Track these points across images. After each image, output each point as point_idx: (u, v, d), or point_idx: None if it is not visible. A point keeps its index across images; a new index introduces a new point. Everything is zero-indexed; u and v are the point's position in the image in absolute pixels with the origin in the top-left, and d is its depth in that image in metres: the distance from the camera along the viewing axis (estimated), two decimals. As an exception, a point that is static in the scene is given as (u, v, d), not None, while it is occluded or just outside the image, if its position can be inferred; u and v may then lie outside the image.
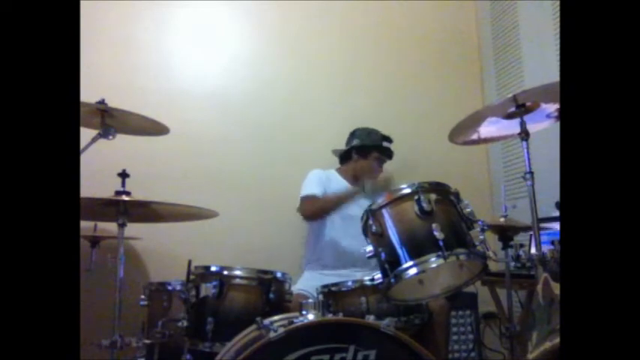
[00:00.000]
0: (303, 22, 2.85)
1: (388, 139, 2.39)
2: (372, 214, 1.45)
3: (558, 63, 2.29)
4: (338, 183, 2.33)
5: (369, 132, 2.37)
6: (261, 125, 2.68)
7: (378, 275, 1.44)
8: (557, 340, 0.91)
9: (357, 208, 2.17)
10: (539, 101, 1.57)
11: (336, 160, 2.48)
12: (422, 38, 3.01)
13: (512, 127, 1.64)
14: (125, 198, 1.73)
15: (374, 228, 1.42)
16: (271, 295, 1.62)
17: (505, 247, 1.97)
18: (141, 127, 1.81)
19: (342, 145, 2.45)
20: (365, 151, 2.33)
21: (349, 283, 1.64)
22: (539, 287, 1.20)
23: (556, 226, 1.94)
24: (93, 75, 2.25)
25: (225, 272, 1.62)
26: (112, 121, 1.66)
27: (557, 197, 1.49)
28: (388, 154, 2.37)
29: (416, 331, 1.61)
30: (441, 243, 1.31)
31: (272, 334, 1.21)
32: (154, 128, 1.83)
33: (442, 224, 1.35)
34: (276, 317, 1.45)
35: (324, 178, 2.31)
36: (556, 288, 1.11)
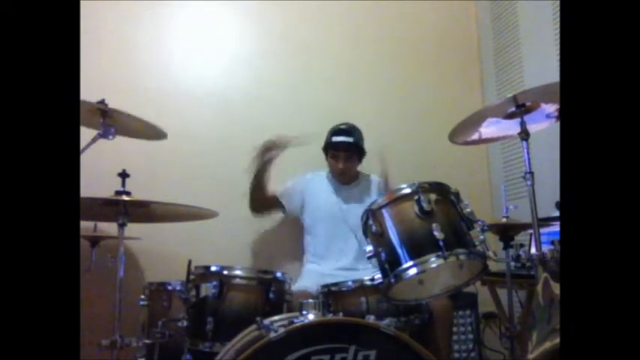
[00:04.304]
0: (303, 22, 2.85)
1: (340, 132, 2.24)
2: (372, 214, 1.45)
3: (558, 63, 2.29)
4: (322, 185, 2.37)
5: (328, 131, 2.32)
6: (262, 125, 2.67)
7: (378, 275, 1.44)
8: (557, 340, 0.91)
9: (338, 209, 2.26)
10: (539, 101, 1.57)
11: None
12: (422, 38, 3.01)
13: (512, 127, 1.64)
14: (125, 198, 1.73)
15: (374, 228, 1.42)
16: (271, 295, 1.62)
17: (506, 247, 1.98)
18: (139, 130, 1.80)
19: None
20: (325, 152, 2.33)
21: (349, 283, 1.63)
22: (539, 287, 1.20)
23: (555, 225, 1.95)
24: (93, 75, 2.25)
25: (225, 272, 1.62)
26: (111, 122, 1.66)
27: (557, 197, 1.50)
28: (343, 146, 2.23)
29: (416, 331, 1.61)
30: (441, 243, 1.31)
31: (272, 334, 1.21)
32: (152, 133, 1.82)
33: (442, 224, 1.34)
34: (276, 317, 1.44)
35: (307, 183, 2.38)
36: (556, 288, 1.11)
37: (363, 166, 2.45)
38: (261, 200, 2.32)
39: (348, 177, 2.35)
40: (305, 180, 2.40)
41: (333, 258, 2.24)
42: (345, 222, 2.23)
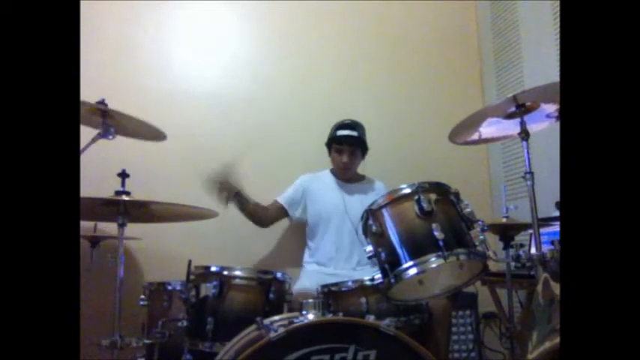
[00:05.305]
0: (303, 22, 2.85)
1: (344, 126, 2.28)
2: (372, 214, 1.45)
3: (558, 63, 2.29)
4: (324, 184, 2.37)
5: (332, 127, 2.35)
6: (261, 125, 2.68)
7: (378, 275, 1.44)
8: (557, 339, 0.91)
9: (340, 209, 2.26)
10: (539, 101, 1.57)
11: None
12: (422, 38, 3.01)
13: (512, 127, 1.64)
14: (125, 198, 1.73)
15: (374, 228, 1.42)
16: (271, 295, 1.62)
17: (506, 247, 1.98)
18: (138, 131, 1.80)
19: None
20: (329, 147, 2.36)
21: (349, 283, 1.63)
22: (539, 287, 1.20)
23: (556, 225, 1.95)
24: (93, 75, 2.25)
25: (225, 272, 1.62)
26: (111, 121, 1.65)
27: (557, 197, 1.50)
28: (347, 139, 2.26)
29: (416, 331, 1.61)
30: (441, 243, 1.31)
31: (272, 334, 1.21)
32: (151, 134, 1.81)
33: (442, 224, 1.34)
34: (276, 317, 1.45)
35: (307, 183, 2.37)
36: (556, 288, 1.11)
37: (367, 171, 2.45)
38: (261, 218, 2.31)
39: (351, 174, 2.36)
40: (304, 181, 2.40)
41: (335, 256, 2.24)
42: (348, 218, 2.24)
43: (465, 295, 2.38)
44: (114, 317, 1.71)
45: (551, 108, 1.60)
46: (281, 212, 2.36)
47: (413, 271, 1.33)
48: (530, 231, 1.93)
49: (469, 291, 2.27)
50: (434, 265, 1.32)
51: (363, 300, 1.58)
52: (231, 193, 2.13)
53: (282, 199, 2.35)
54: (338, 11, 2.90)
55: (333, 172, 2.41)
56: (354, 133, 2.26)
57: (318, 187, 2.37)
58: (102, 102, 1.59)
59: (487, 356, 2.60)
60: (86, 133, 1.55)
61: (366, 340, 1.25)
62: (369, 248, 1.43)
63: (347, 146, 2.27)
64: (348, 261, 2.22)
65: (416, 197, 1.39)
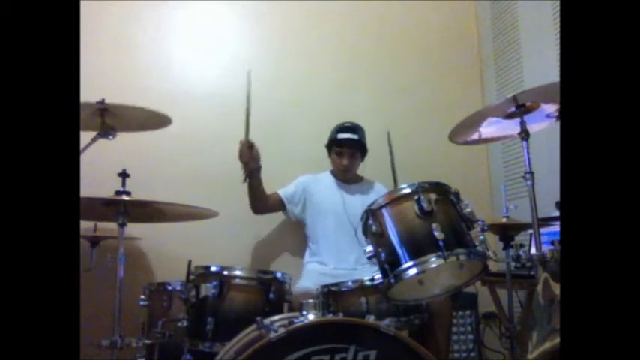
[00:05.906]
0: (303, 22, 2.85)
1: (345, 129, 2.29)
2: (372, 214, 1.45)
3: (558, 63, 2.29)
4: (324, 184, 2.38)
5: (333, 129, 2.36)
6: (261, 125, 2.66)
7: (378, 275, 1.44)
8: (557, 340, 0.91)
9: (341, 204, 2.27)
10: (539, 101, 1.57)
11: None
12: (422, 38, 3.01)
13: (512, 127, 1.64)
14: (125, 198, 1.73)
15: (374, 228, 1.42)
16: (271, 295, 1.62)
17: (506, 247, 1.98)
18: (142, 121, 1.78)
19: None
20: (329, 149, 2.37)
21: (349, 283, 1.63)
22: (539, 287, 1.20)
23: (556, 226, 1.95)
24: (93, 75, 2.25)
25: (225, 272, 1.62)
26: (112, 119, 1.65)
27: (557, 197, 1.50)
28: (348, 142, 2.27)
29: (416, 331, 1.61)
30: (441, 243, 1.31)
31: (272, 334, 1.21)
32: (156, 120, 1.80)
33: (442, 224, 1.34)
34: (276, 317, 1.45)
35: (307, 184, 2.38)
36: (556, 288, 1.12)
37: (366, 171, 2.46)
38: (261, 202, 2.31)
39: (351, 176, 2.36)
40: (305, 181, 2.41)
41: (335, 256, 2.24)
42: (347, 218, 2.24)
43: (465, 295, 2.38)
44: (114, 317, 1.71)
45: (551, 108, 1.60)
46: (278, 205, 2.37)
47: (413, 271, 1.33)
48: (530, 231, 1.93)
49: (469, 291, 2.27)
50: (434, 265, 1.32)
51: (363, 300, 1.58)
52: (256, 164, 2.15)
53: (282, 193, 2.37)
54: (338, 11, 2.90)
55: (333, 173, 2.42)
56: (355, 136, 2.28)
57: (318, 188, 2.37)
58: (102, 102, 1.58)
59: (487, 356, 2.60)
60: (86, 133, 1.55)
61: (367, 340, 1.25)
62: (369, 248, 1.43)
63: (347, 149, 2.29)
64: (349, 261, 2.22)
65: (416, 197, 1.39)
